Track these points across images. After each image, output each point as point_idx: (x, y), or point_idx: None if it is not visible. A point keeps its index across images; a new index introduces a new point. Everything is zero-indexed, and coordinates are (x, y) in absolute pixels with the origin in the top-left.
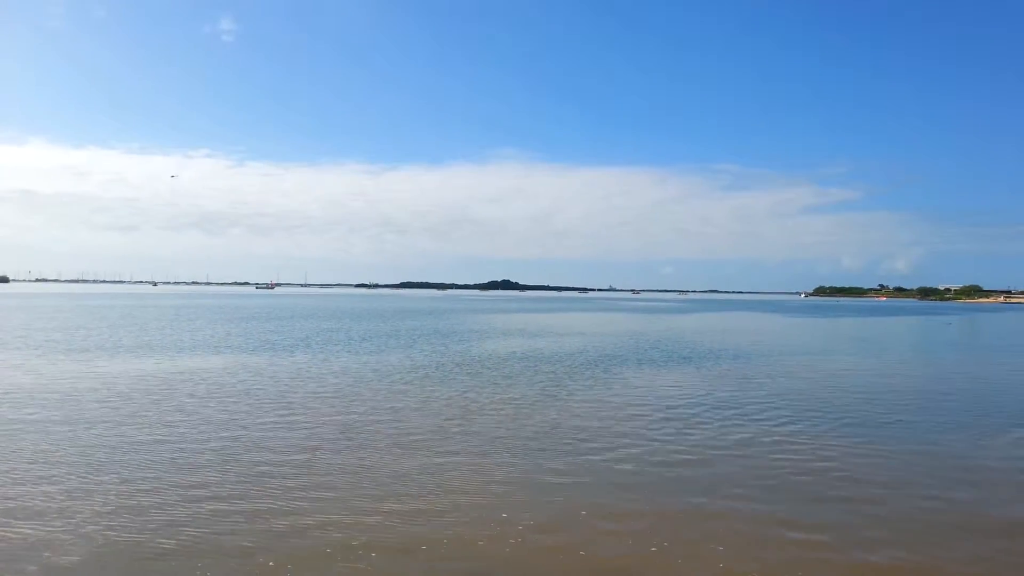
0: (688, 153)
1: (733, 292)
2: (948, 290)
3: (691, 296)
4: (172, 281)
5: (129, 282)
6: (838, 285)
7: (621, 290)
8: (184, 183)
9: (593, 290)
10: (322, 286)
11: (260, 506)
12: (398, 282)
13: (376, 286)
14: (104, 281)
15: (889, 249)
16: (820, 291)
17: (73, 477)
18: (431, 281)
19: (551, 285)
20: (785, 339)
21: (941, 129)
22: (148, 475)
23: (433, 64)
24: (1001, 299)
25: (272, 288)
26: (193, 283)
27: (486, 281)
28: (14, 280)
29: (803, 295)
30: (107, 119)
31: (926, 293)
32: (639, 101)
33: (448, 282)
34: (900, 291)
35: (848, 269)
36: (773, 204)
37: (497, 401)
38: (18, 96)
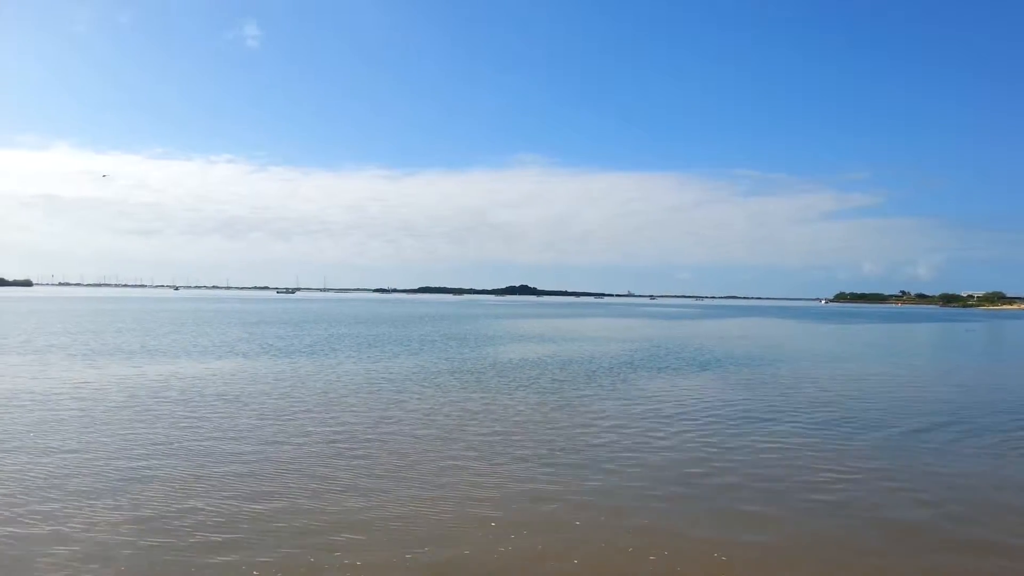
0: (707, 158)
1: (752, 298)
2: (971, 297)
3: (707, 302)
4: (193, 285)
5: (150, 286)
6: (859, 291)
7: (639, 295)
8: (206, 188)
9: (611, 295)
10: (340, 291)
11: (237, 515)
12: (416, 287)
13: (393, 291)
14: (126, 285)
15: (910, 255)
16: (840, 297)
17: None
18: (449, 286)
19: (569, 290)
20: (802, 345)
21: (963, 134)
22: (95, 487)
23: (453, 70)
24: None
25: (293, 293)
26: (214, 287)
27: (504, 286)
28: (37, 284)
29: (823, 301)
30: (130, 124)
31: (948, 300)
32: (658, 106)
33: (466, 287)
34: (922, 297)
35: (869, 275)
36: (793, 209)
37: (499, 409)
38: (42, 101)
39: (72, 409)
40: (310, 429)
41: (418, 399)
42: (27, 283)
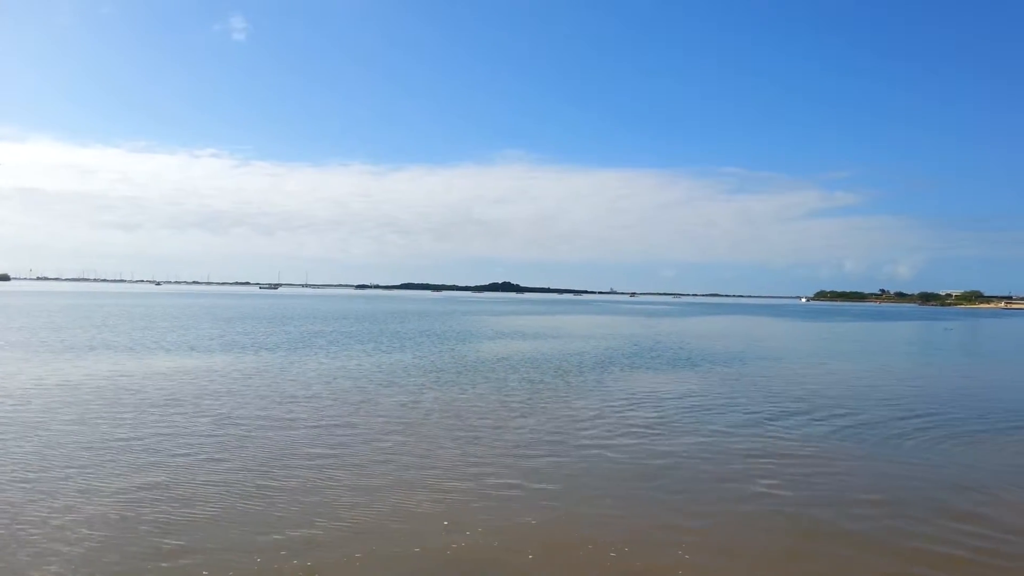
0: (694, 156)
1: (734, 296)
2: (949, 295)
3: (687, 299)
4: (174, 280)
5: (131, 281)
6: (840, 290)
7: (621, 293)
8: (189, 182)
9: (591, 292)
10: (322, 286)
11: (181, 518)
12: (399, 283)
13: (375, 287)
14: (106, 280)
15: (892, 254)
16: (821, 295)
17: None
18: (432, 282)
19: (552, 287)
20: (768, 343)
21: (946, 135)
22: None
23: (439, 64)
24: (1002, 305)
25: (276, 288)
26: (195, 282)
27: (488, 283)
28: (15, 279)
29: (803, 299)
30: (113, 117)
31: (927, 298)
32: (645, 103)
33: (450, 283)
34: (901, 296)
35: (851, 274)
36: (778, 208)
37: (462, 408)
38: (23, 93)
39: (5, 410)
40: (265, 431)
41: (379, 396)
42: (4, 277)
